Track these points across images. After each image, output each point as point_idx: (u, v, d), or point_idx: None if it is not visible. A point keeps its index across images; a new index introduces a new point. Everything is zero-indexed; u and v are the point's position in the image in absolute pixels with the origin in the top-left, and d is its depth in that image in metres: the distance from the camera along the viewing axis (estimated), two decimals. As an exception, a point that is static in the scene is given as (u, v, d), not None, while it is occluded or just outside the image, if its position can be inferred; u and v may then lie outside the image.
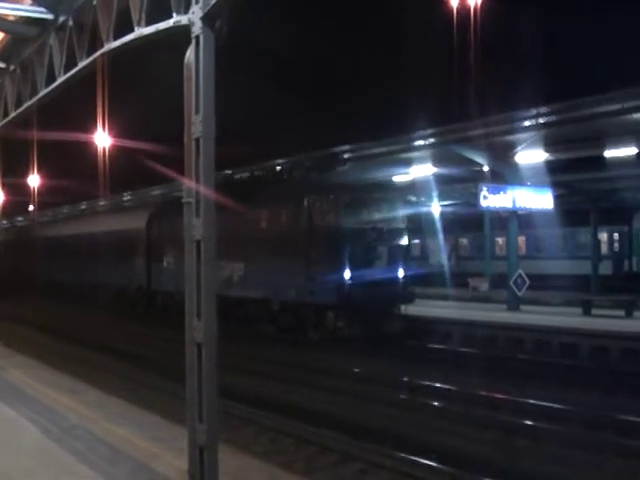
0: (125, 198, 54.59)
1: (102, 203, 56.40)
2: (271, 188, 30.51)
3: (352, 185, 27.76)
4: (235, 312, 28.34)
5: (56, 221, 63.36)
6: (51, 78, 12.53)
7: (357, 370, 19.92)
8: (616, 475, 11.44)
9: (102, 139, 41.37)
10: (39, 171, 56.96)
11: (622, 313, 26.24)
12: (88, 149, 43.54)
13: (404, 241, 27.30)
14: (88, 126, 40.08)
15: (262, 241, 28.18)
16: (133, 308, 38.26)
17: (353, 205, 26.27)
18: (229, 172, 37.12)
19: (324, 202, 26.14)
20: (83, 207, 61.08)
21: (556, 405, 15.04)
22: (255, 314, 28.55)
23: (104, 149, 43.31)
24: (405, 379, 18.37)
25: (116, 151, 44.59)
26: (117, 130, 42.65)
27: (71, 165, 51.82)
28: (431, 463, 11.37)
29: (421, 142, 29.81)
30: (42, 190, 60.54)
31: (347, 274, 24.73)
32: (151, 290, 37.06)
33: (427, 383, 17.81)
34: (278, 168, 34.35)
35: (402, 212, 27.63)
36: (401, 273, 26.15)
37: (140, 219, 38.66)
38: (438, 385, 17.45)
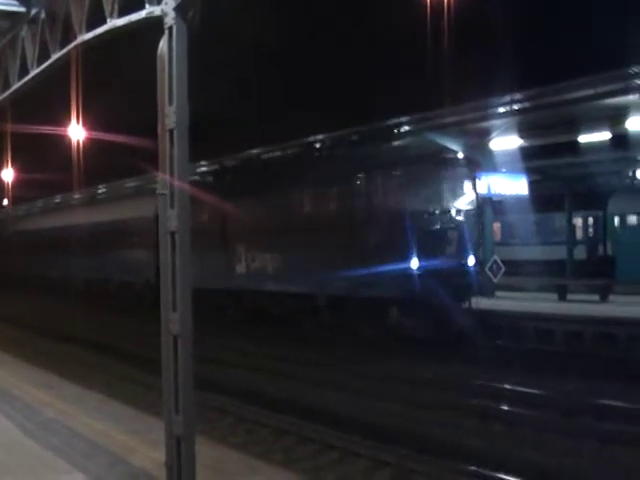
0: (128, 185, 48.60)
1: (102, 191, 53.14)
2: (314, 167, 28.03)
3: (415, 159, 23.97)
4: (270, 309, 26.72)
5: (45, 212, 59.79)
6: (24, 71, 12.43)
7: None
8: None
9: (76, 131, 40.71)
10: (16, 163, 55.49)
11: (597, 298, 26.39)
12: (68, 139, 42.52)
13: (472, 224, 24.44)
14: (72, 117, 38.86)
15: (304, 227, 25.08)
16: (139, 303, 34.97)
17: (419, 182, 22.74)
18: (255, 151, 34.04)
19: (385, 179, 22.75)
20: (77, 196, 55.48)
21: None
22: (295, 311, 25.71)
23: (78, 142, 42.50)
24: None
25: (103, 142, 43.25)
26: (104, 120, 41.69)
27: (54, 156, 50.30)
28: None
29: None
30: (23, 182, 58.60)
31: (414, 263, 21.32)
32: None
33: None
34: (318, 145, 30.31)
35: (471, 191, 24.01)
36: (472, 261, 22.75)
37: (147, 207, 34.52)
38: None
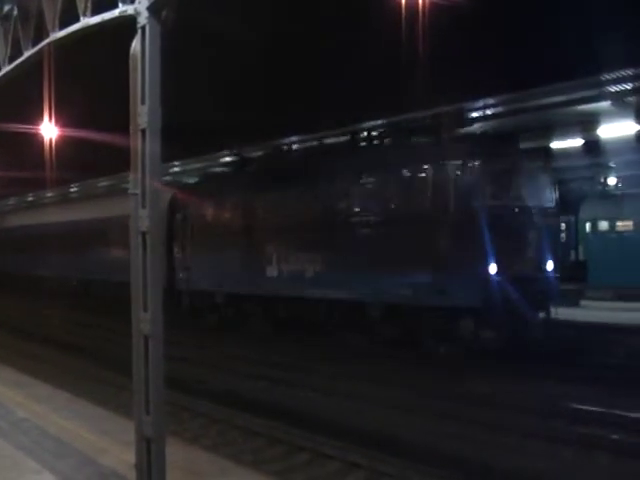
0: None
1: (102, 184, 48.48)
2: (367, 156, 24.30)
3: (492, 149, 20.55)
4: (309, 318, 23.37)
5: (26, 208, 57.03)
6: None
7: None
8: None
9: (49, 129, 40.15)
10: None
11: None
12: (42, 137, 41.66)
13: (554, 225, 22.12)
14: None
15: (354, 224, 22.03)
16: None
17: (498, 174, 20.02)
18: (283, 141, 31.00)
19: (459, 170, 19.59)
20: (68, 190, 52.67)
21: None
22: (341, 321, 22.35)
23: (51, 140, 41.81)
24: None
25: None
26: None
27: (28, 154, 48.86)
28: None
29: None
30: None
31: (493, 267, 18.54)
32: (175, 289, 29.39)
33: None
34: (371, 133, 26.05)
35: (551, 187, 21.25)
36: (551, 266, 20.05)
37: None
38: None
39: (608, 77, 21.01)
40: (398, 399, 15.23)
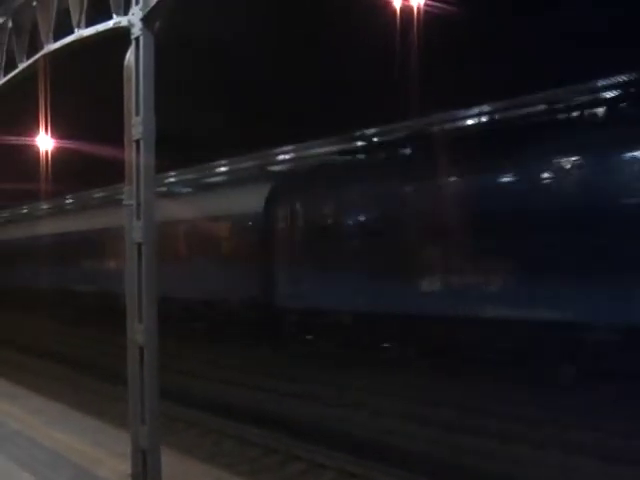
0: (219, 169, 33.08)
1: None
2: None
3: None
4: (491, 347, 16.88)
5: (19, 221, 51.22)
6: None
7: None
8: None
9: (44, 141, 40.00)
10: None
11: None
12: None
13: None
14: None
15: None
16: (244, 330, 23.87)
17: None
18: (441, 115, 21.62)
19: None
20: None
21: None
22: (551, 351, 15.93)
23: (47, 152, 41.66)
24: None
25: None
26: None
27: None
28: None
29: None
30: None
31: None
32: (274, 306, 23.21)
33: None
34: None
35: None
36: None
37: (249, 198, 25.66)
38: None
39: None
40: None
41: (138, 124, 7.12)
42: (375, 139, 24.18)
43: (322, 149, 26.84)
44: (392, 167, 21.77)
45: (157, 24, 7.19)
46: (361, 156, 24.40)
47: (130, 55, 7.30)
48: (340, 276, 20.99)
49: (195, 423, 14.85)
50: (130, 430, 7.46)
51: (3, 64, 11.81)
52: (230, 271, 25.26)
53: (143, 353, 7.13)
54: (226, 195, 28.50)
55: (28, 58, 10.84)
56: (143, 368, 7.13)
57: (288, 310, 22.67)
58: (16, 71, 11.21)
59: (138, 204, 7.17)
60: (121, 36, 7.57)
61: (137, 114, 7.15)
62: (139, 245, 7.16)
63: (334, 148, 25.89)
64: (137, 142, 7.15)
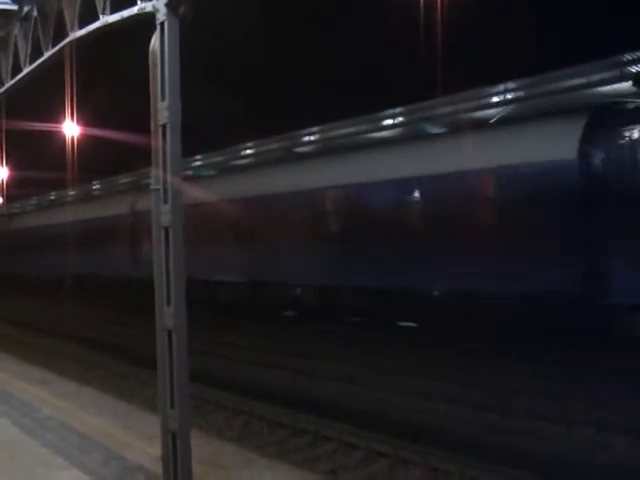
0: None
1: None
2: None
3: None
4: None
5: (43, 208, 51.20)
6: (17, 69, 12.49)
7: None
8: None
9: (70, 128, 39.95)
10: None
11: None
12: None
13: None
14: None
15: None
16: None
17: None
18: None
19: None
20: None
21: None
22: None
23: (72, 138, 41.63)
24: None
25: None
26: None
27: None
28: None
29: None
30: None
31: None
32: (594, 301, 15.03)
33: None
34: None
35: None
36: None
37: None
38: None
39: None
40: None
41: (164, 109, 7.14)
42: None
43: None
44: None
45: (182, 9, 7.19)
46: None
47: (155, 40, 7.32)
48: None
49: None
50: (160, 413, 7.52)
51: (29, 52, 11.89)
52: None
53: (171, 336, 7.17)
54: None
55: (54, 45, 10.90)
56: (172, 351, 7.16)
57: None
58: (42, 59, 11.28)
59: (165, 188, 7.20)
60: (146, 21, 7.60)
61: (163, 99, 7.16)
62: (166, 229, 7.19)
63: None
64: (163, 127, 7.17)
